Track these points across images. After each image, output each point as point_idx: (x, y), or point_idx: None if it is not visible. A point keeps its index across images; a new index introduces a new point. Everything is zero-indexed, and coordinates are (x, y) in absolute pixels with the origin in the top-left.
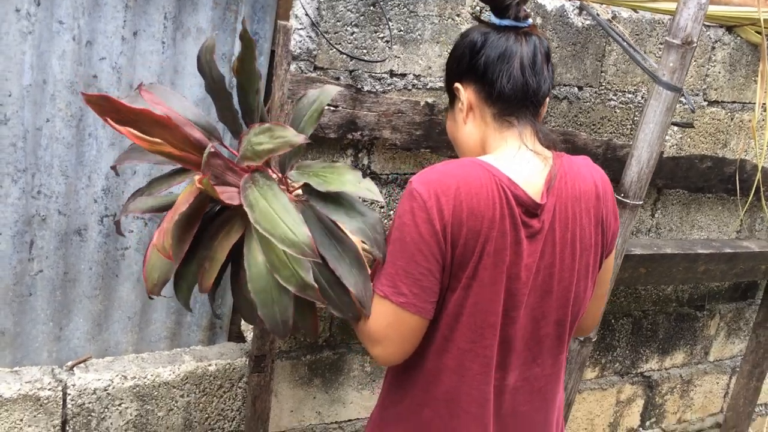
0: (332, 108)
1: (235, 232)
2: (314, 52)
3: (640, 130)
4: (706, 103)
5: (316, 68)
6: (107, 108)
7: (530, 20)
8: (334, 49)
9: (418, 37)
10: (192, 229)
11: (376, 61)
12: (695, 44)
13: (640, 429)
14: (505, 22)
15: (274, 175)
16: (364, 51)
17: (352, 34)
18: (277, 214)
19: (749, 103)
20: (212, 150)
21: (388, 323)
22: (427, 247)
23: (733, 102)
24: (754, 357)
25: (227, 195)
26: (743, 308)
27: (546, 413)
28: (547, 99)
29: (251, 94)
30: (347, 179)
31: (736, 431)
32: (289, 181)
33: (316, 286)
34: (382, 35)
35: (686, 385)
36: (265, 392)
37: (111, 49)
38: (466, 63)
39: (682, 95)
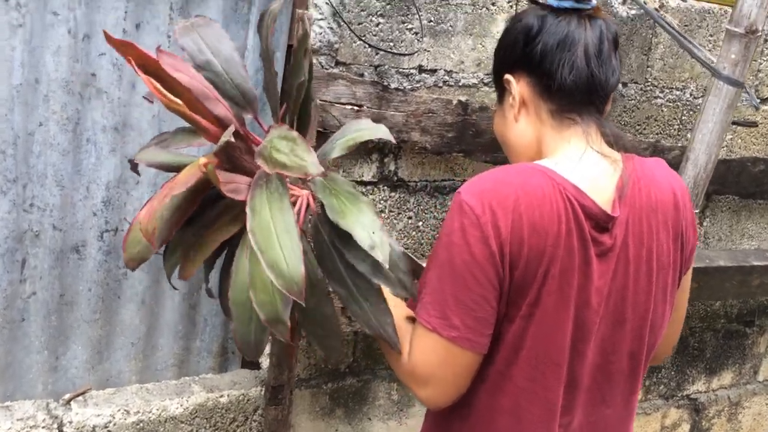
0: (356, 107)
1: (233, 226)
2: (336, 46)
3: (697, 130)
4: (759, 100)
5: (337, 63)
6: (132, 53)
7: (594, 0)
8: (359, 42)
9: (450, 28)
10: (183, 215)
11: (406, 54)
12: (760, 33)
13: None
14: (566, 4)
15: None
16: (391, 44)
17: (377, 25)
18: (276, 232)
19: None
20: (228, 139)
21: (439, 361)
22: (482, 271)
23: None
24: None
25: (233, 186)
26: None
27: None
28: (614, 93)
29: (294, 87)
30: (362, 221)
31: None
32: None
33: (288, 324)
34: (410, 26)
35: (734, 408)
36: (282, 427)
37: None
38: (519, 51)
39: (745, 90)
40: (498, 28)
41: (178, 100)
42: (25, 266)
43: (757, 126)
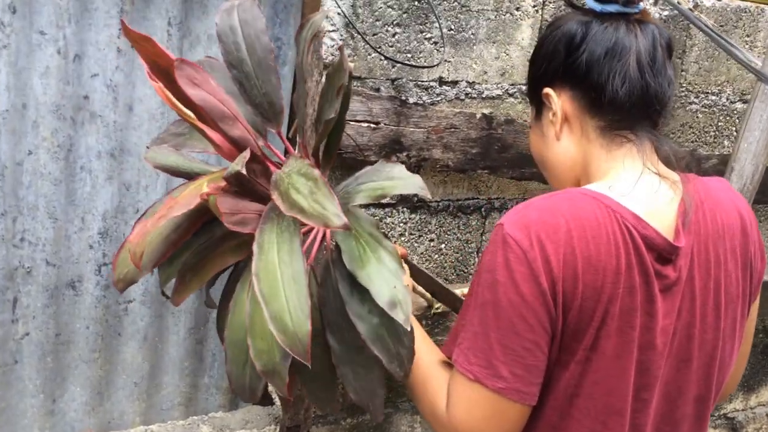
0: (373, 125)
1: (237, 253)
2: (349, 59)
3: (741, 138)
4: None
5: (351, 78)
6: (149, 50)
7: (642, 3)
8: (374, 55)
9: (471, 36)
10: (180, 239)
11: (425, 67)
12: None
13: None
14: (610, 8)
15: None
16: (409, 55)
17: (393, 35)
18: (282, 280)
19: None
20: (237, 170)
21: (483, 415)
22: (532, 313)
23: None
24: None
25: (239, 218)
26: None
27: None
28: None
29: (322, 122)
30: (383, 273)
31: None
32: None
33: (286, 378)
34: (429, 35)
35: None
36: None
37: (104, 64)
38: (560, 62)
39: None
40: (523, 34)
41: (190, 113)
42: (17, 305)
43: None
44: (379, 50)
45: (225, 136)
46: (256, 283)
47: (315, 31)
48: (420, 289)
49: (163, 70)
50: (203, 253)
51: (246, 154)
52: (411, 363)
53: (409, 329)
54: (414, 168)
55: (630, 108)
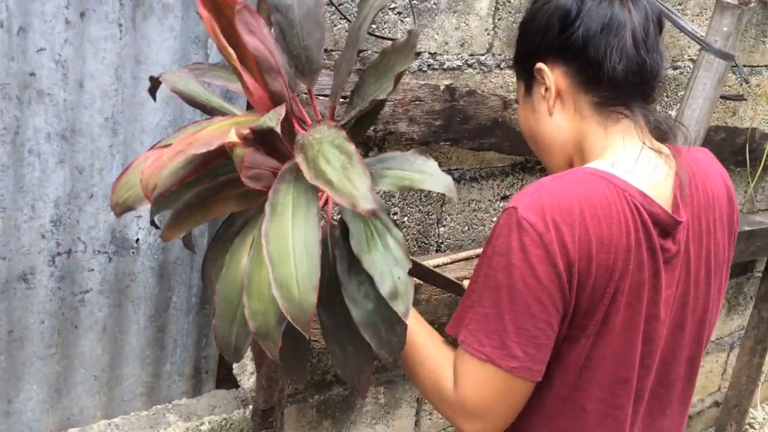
0: (341, 99)
1: (240, 203)
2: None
3: (685, 105)
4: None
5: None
6: None
7: None
8: (339, 26)
9: (434, 6)
10: (186, 178)
11: (389, 38)
12: (753, 4)
13: None
14: None
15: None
16: (374, 26)
17: (358, 4)
18: (293, 246)
19: (758, 66)
20: (271, 126)
21: (495, 394)
22: (548, 296)
23: (743, 66)
24: (756, 333)
25: (255, 173)
26: (742, 283)
27: None
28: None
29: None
30: (388, 261)
31: (739, 410)
32: None
33: (279, 342)
34: (393, 5)
35: None
36: None
37: (51, 37)
38: (554, 36)
39: (735, 64)
40: (481, 4)
41: (232, 53)
42: None
43: (745, 100)
44: (348, 18)
45: (265, 87)
46: (265, 245)
47: (384, 3)
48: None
49: (217, 5)
50: (204, 194)
51: (281, 111)
52: (401, 351)
53: (407, 322)
54: (380, 142)
55: (626, 84)
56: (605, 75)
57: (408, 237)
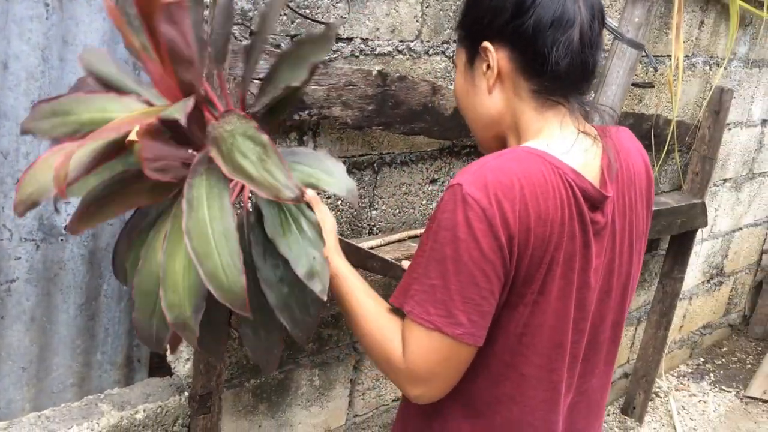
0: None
1: (151, 196)
2: (249, 14)
3: (600, 92)
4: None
5: (252, 33)
6: None
7: None
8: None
9: None
10: (93, 167)
11: (322, 23)
12: None
13: None
14: None
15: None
16: (308, 11)
17: None
18: (214, 238)
19: (662, 56)
20: (176, 118)
21: (440, 359)
22: (491, 266)
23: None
24: (661, 306)
25: (161, 165)
26: (648, 260)
27: (598, 428)
28: None
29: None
30: (301, 244)
31: (647, 380)
32: None
33: (197, 332)
34: None
35: None
36: None
37: None
38: (505, 20)
39: (645, 53)
40: None
41: (140, 53)
42: None
43: (654, 87)
44: (289, 4)
45: (174, 76)
46: (189, 242)
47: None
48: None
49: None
50: (113, 187)
51: (190, 103)
52: (313, 330)
53: (324, 300)
54: (314, 126)
55: (567, 78)
56: (548, 68)
57: (341, 221)
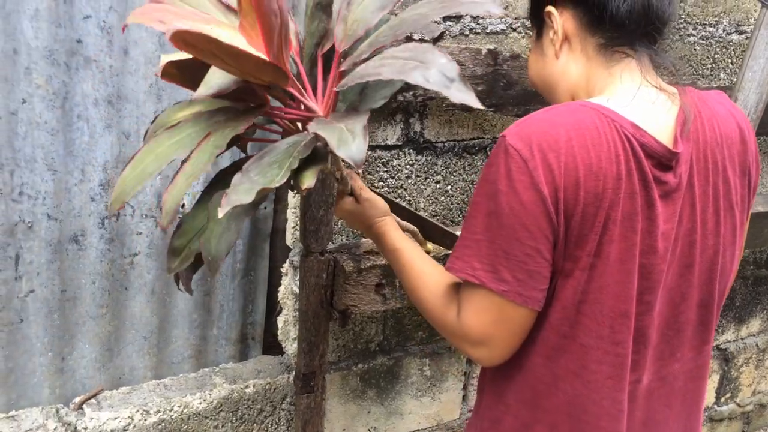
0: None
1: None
2: None
3: (746, 67)
4: None
5: None
6: None
7: None
8: None
9: None
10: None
11: None
12: None
13: (715, 407)
14: None
15: None
16: None
17: None
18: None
19: None
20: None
21: (492, 319)
22: (533, 220)
23: None
24: None
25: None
26: None
27: (687, 419)
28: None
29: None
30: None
31: None
32: None
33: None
34: None
35: (761, 354)
36: (316, 415)
37: (97, 4)
38: None
39: None
40: None
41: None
42: (19, 262)
43: None
44: None
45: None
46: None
47: None
48: (405, 224)
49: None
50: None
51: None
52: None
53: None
54: (420, 108)
55: (631, 24)
56: (608, 16)
57: (452, 206)
